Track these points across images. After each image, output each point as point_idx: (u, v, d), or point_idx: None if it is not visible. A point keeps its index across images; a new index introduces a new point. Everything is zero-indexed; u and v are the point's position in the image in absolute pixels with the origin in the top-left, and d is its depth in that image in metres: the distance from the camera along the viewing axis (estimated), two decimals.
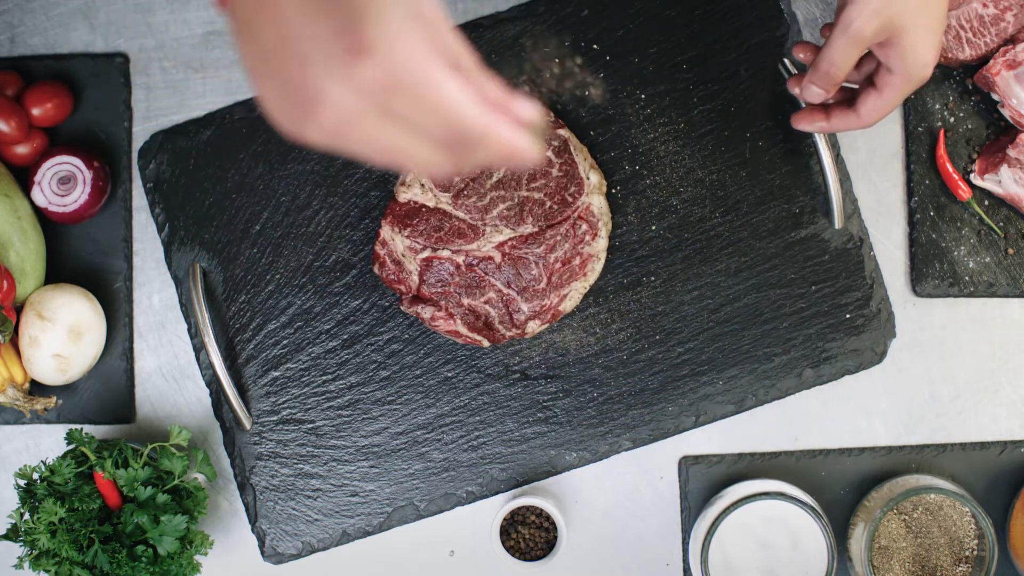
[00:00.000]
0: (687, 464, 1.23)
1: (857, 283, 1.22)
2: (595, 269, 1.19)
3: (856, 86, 1.09)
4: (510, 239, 1.18)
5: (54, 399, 1.19)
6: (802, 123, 1.12)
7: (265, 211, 1.22)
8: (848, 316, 1.22)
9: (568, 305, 1.19)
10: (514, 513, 1.21)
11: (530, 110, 0.71)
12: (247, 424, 1.20)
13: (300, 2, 0.64)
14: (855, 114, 1.07)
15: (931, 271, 1.23)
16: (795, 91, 1.10)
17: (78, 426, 1.23)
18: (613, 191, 1.22)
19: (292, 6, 0.65)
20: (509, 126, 0.69)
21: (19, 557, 1.15)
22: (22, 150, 1.21)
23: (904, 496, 1.15)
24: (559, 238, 1.18)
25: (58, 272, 1.23)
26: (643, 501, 1.24)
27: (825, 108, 1.11)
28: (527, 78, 1.20)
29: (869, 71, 1.07)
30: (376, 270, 1.19)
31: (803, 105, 1.13)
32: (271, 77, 0.67)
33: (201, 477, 1.22)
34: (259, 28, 0.66)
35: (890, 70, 1.02)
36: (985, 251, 1.23)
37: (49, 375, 1.18)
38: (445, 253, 1.18)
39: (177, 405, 1.24)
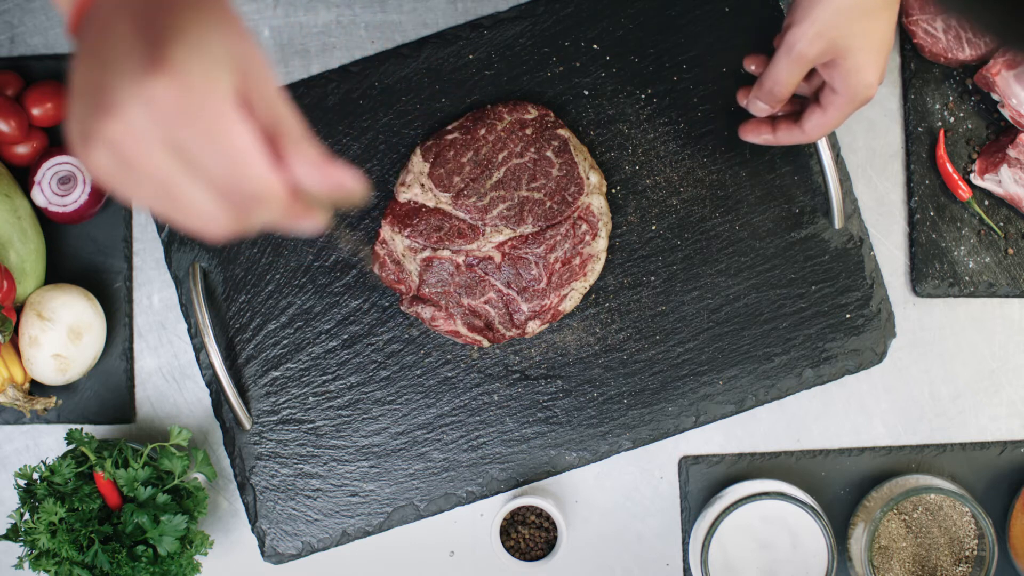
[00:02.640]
0: (687, 464, 1.23)
1: (857, 283, 1.22)
2: (595, 269, 1.19)
3: (807, 96, 1.11)
4: (510, 239, 1.18)
5: (54, 399, 1.19)
6: (748, 134, 1.15)
7: None
8: (848, 316, 1.22)
9: (568, 305, 1.19)
10: (514, 513, 1.21)
11: (350, 178, 0.68)
12: (247, 424, 1.20)
13: (128, 16, 0.64)
14: (800, 129, 1.09)
15: (931, 271, 1.23)
16: (743, 103, 1.12)
17: (78, 426, 1.23)
18: (613, 191, 1.22)
19: (121, 20, 0.64)
20: (293, 193, 0.66)
21: (19, 557, 1.16)
22: (22, 150, 1.21)
23: (904, 496, 1.16)
24: (559, 238, 1.18)
25: (58, 272, 1.23)
26: (643, 501, 1.24)
27: (773, 120, 1.13)
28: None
29: (819, 84, 1.08)
30: (376, 270, 1.19)
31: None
32: (78, 85, 0.65)
33: (201, 477, 1.22)
34: (85, 37, 0.65)
35: (834, 89, 1.04)
36: (985, 251, 1.23)
37: (49, 375, 1.18)
38: (445, 253, 1.18)
39: (177, 405, 1.24)
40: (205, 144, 0.63)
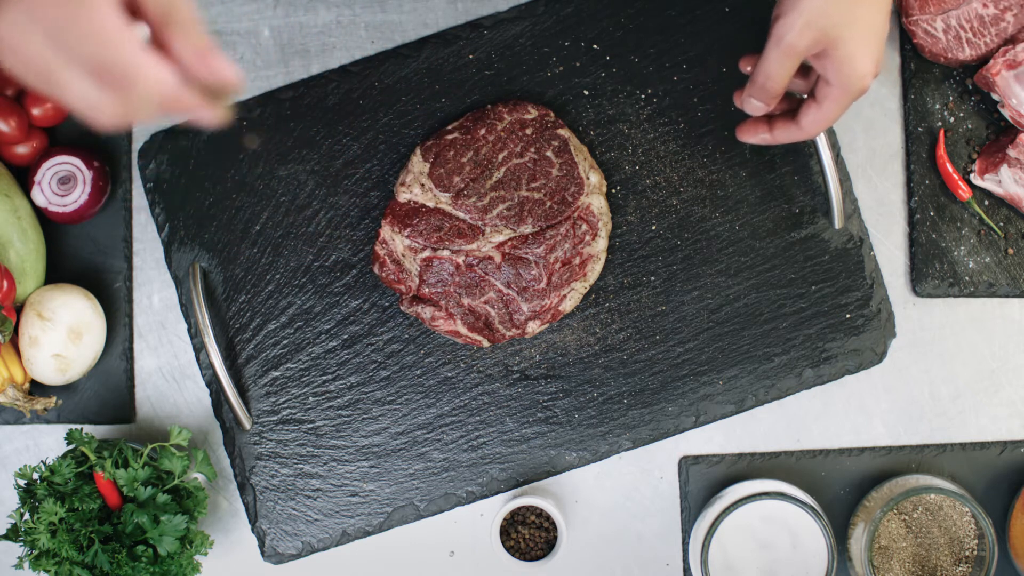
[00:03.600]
0: (687, 464, 1.23)
1: (857, 283, 1.22)
2: (595, 269, 1.19)
3: (804, 96, 1.09)
4: (510, 239, 1.18)
5: (54, 399, 1.19)
6: (746, 134, 1.13)
7: (265, 211, 1.22)
8: (848, 316, 1.22)
9: (568, 305, 1.19)
10: (514, 513, 1.21)
11: (227, 70, 0.74)
12: (247, 424, 1.20)
13: None
14: (797, 126, 1.07)
15: (931, 271, 1.23)
16: (738, 103, 1.09)
17: (78, 426, 1.23)
18: (613, 191, 1.22)
19: None
20: (166, 73, 0.72)
21: (19, 557, 1.16)
22: (22, 150, 1.21)
23: (904, 496, 1.16)
24: (559, 238, 1.18)
25: (58, 272, 1.23)
26: (643, 501, 1.24)
27: (769, 119, 1.11)
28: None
29: (815, 80, 1.06)
30: (376, 270, 1.19)
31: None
32: None
33: (201, 477, 1.22)
34: None
35: (828, 81, 1.02)
36: (985, 251, 1.23)
37: (49, 375, 1.18)
38: (445, 253, 1.18)
39: (177, 405, 1.25)
40: (74, 29, 0.69)
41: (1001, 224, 1.23)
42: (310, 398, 1.22)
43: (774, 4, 1.21)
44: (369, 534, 1.23)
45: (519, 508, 1.21)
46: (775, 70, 1.01)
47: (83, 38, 0.70)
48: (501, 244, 1.18)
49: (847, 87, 1.01)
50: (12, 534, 1.15)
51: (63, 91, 0.72)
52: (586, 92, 1.22)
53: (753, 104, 1.06)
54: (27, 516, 1.19)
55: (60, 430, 1.24)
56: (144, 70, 0.71)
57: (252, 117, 1.22)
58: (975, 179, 1.22)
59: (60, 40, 0.70)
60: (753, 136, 1.12)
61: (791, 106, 1.11)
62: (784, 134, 1.09)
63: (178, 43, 0.73)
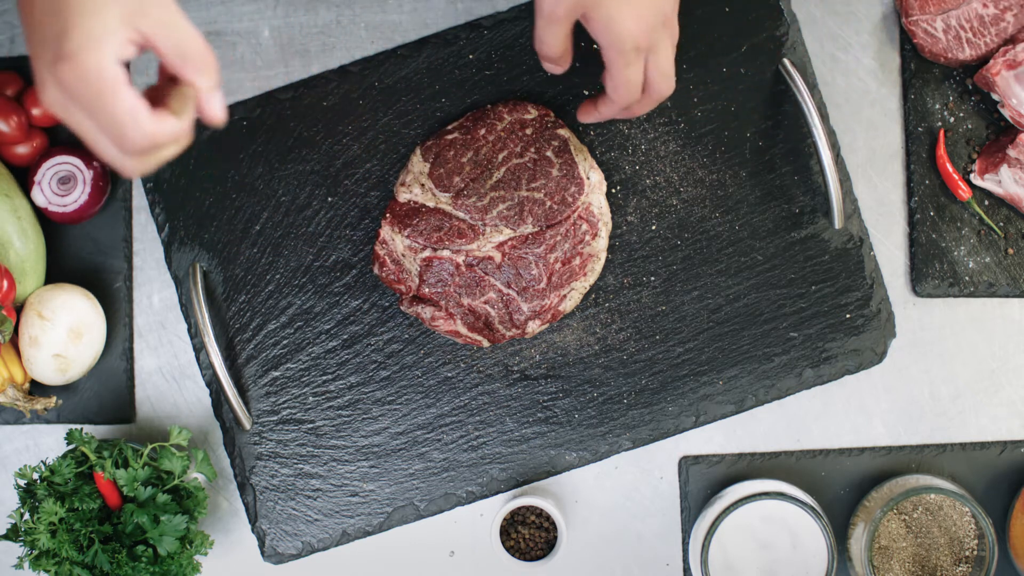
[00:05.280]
0: (687, 464, 1.23)
1: (857, 283, 1.22)
2: (595, 269, 1.19)
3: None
4: (510, 239, 1.18)
5: (54, 399, 1.19)
6: (584, 116, 1.16)
7: (265, 211, 1.22)
8: (848, 316, 1.22)
9: (568, 305, 1.19)
10: (514, 513, 1.21)
11: (224, 112, 0.87)
12: (247, 424, 1.20)
13: (40, 8, 0.84)
14: (608, 97, 1.10)
15: (931, 271, 1.23)
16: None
17: (78, 426, 1.23)
18: (613, 191, 1.22)
19: (36, 9, 0.84)
20: (168, 131, 0.84)
21: (19, 557, 1.16)
22: (22, 150, 1.21)
23: (904, 496, 1.16)
24: (559, 238, 1.18)
25: (58, 272, 1.23)
26: (643, 501, 1.24)
27: (595, 99, 1.14)
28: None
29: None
30: (376, 270, 1.19)
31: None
32: (30, 55, 0.86)
33: (201, 477, 1.22)
34: (22, 13, 0.87)
35: (600, 44, 1.05)
36: (985, 251, 1.23)
37: (49, 375, 1.18)
38: (445, 253, 1.18)
39: (177, 405, 1.25)
40: (98, 112, 0.82)
41: (1001, 224, 1.23)
42: (310, 398, 1.22)
43: (774, 5, 1.22)
44: (369, 534, 1.23)
45: (519, 508, 1.21)
46: (546, 37, 1.06)
47: (106, 121, 0.82)
48: (501, 244, 1.18)
49: (616, 45, 1.04)
50: (12, 534, 1.15)
51: (98, 151, 0.85)
52: (586, 92, 1.22)
53: (548, 67, 1.11)
54: (27, 516, 1.19)
55: (60, 430, 1.24)
56: (160, 139, 0.84)
57: (252, 117, 1.22)
58: (975, 179, 1.22)
59: (92, 117, 0.83)
60: (587, 116, 1.15)
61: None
62: (605, 108, 1.12)
63: (193, 81, 0.86)
